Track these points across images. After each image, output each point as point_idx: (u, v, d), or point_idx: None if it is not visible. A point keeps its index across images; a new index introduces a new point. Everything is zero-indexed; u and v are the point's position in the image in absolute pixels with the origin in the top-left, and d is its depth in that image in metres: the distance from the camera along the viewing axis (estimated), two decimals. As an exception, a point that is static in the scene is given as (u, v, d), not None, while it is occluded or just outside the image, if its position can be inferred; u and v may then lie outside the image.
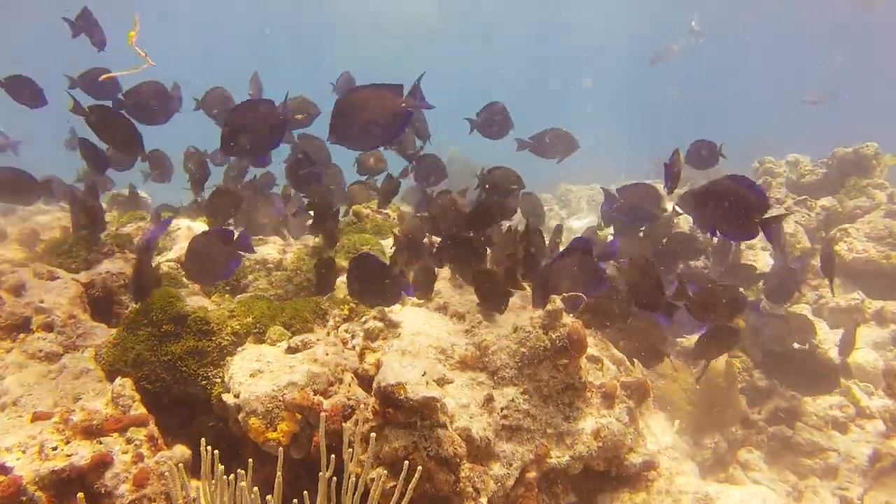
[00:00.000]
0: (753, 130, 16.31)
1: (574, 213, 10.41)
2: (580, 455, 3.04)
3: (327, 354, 3.02)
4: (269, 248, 4.20)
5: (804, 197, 6.77)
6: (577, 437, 3.07)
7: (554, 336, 3.01)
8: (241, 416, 2.80)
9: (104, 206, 6.62)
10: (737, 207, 2.86)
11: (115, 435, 2.73)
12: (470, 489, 2.70)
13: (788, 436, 4.26)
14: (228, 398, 2.90)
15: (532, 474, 2.96)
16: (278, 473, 2.08)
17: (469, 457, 2.79)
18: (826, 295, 5.88)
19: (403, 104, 2.66)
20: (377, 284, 3.08)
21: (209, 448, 2.20)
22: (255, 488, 2.04)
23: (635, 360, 3.70)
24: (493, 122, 4.50)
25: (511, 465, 2.89)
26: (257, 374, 2.93)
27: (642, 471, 3.26)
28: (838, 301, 5.77)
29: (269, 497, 1.91)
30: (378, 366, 2.99)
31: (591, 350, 3.43)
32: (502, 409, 2.97)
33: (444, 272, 3.83)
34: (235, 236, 3.28)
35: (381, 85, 2.68)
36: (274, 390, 2.80)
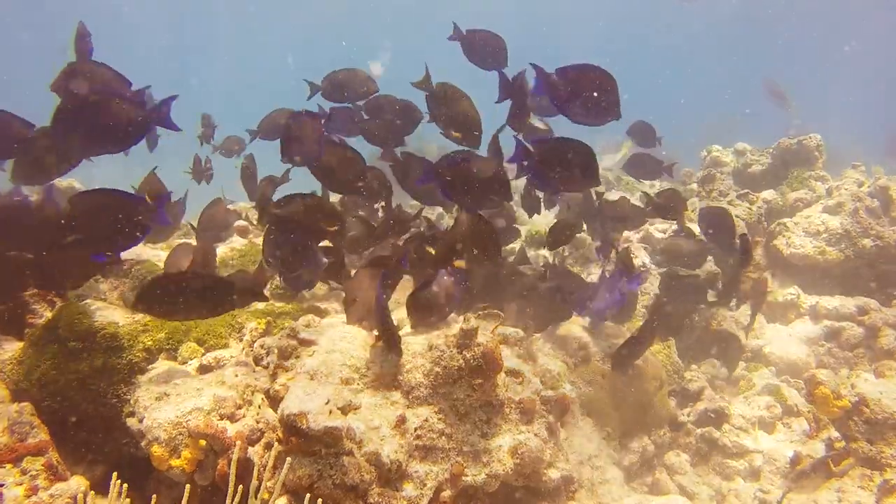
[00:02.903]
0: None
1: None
2: (496, 473, 3.02)
3: (236, 376, 2.95)
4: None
5: (746, 191, 6.81)
6: (494, 454, 3.05)
7: (468, 356, 2.97)
8: (143, 444, 2.72)
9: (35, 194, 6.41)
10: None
11: (9, 466, 2.64)
12: (378, 514, 2.67)
13: (716, 437, 4.31)
14: (133, 423, 2.82)
15: (447, 493, 2.94)
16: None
17: (379, 480, 2.75)
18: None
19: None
20: None
21: (119, 482, 2.17)
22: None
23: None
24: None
25: (425, 485, 2.85)
26: (163, 398, 2.85)
27: (561, 485, 3.26)
28: (775, 296, 5.85)
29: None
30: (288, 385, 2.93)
31: (512, 362, 3.41)
32: (416, 429, 2.93)
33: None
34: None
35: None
36: (178, 416, 2.73)
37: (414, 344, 3.16)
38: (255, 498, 2.60)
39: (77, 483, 2.64)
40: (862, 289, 5.70)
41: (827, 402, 3.71)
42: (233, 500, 2.19)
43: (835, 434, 4.05)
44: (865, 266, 5.74)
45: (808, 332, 5.53)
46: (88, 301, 3.50)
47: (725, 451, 4.30)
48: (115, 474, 2.21)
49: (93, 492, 3.00)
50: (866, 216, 5.82)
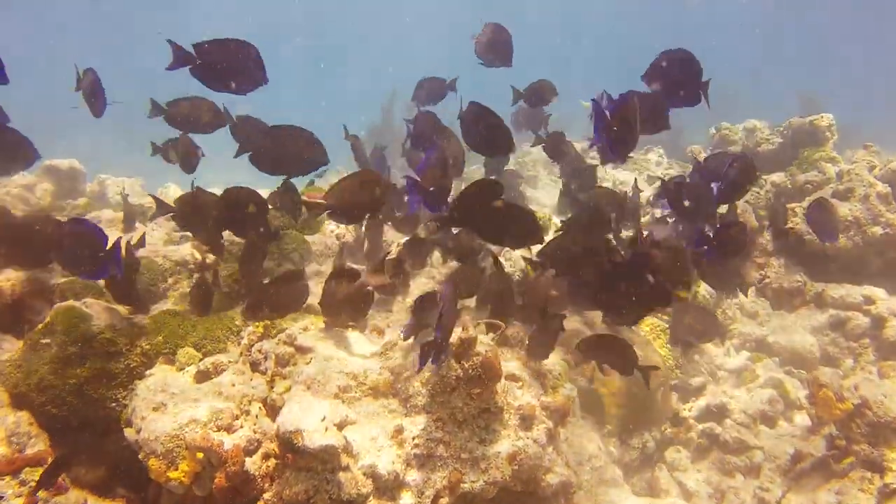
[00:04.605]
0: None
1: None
2: (494, 480, 3.01)
3: (234, 385, 2.94)
4: (189, 248, 4.04)
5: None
6: (492, 461, 3.04)
7: (467, 365, 2.94)
8: (140, 456, 2.73)
9: (34, 177, 6.37)
10: None
11: (8, 477, 2.65)
12: (374, 526, 2.68)
13: (717, 433, 4.30)
14: (130, 433, 2.82)
15: (445, 500, 2.94)
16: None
17: (377, 491, 2.76)
18: (770, 275, 5.90)
19: None
20: None
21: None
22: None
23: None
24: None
25: (422, 493, 2.86)
26: (160, 408, 2.85)
27: (560, 490, 3.26)
28: (781, 282, 5.79)
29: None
30: (286, 393, 2.93)
31: (511, 365, 3.38)
32: (414, 437, 2.92)
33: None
34: None
35: None
36: (175, 429, 2.72)
37: (412, 352, 3.14)
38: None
39: (76, 496, 2.65)
40: (869, 277, 5.62)
41: (829, 405, 3.69)
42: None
43: (836, 431, 4.03)
44: (874, 254, 5.66)
45: (814, 320, 5.49)
46: (87, 300, 3.48)
47: (726, 447, 4.29)
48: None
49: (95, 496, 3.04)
50: (877, 202, 5.72)
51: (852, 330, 5.30)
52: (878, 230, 5.61)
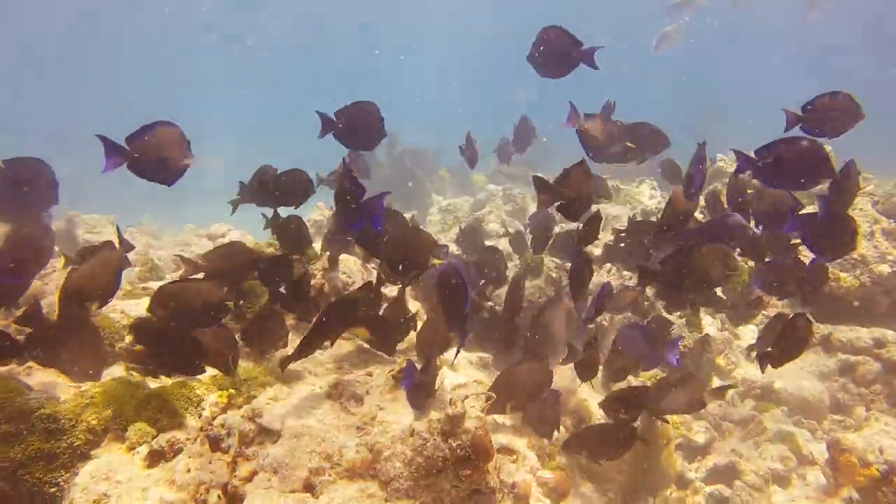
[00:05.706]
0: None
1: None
2: (486, 572, 2.66)
3: (189, 470, 2.58)
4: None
5: (753, 208, 6.43)
6: (484, 550, 2.69)
7: (455, 444, 2.59)
8: (76, 561, 2.36)
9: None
10: None
11: (-81, 591, 2.26)
12: None
13: (727, 496, 3.97)
14: (66, 532, 2.45)
15: None
16: None
17: None
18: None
19: None
20: None
21: None
22: None
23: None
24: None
25: (405, 592, 2.50)
26: (102, 501, 2.48)
27: (559, 576, 2.91)
28: (785, 324, 5.49)
29: None
30: (250, 478, 2.57)
31: (504, 437, 3.05)
32: (395, 528, 2.57)
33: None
34: None
35: None
36: (117, 527, 2.36)
37: (393, 425, 2.79)
38: None
39: None
40: (878, 318, 5.34)
41: (853, 471, 3.37)
42: None
43: (855, 494, 3.71)
44: (882, 294, 5.38)
45: (821, 365, 5.18)
46: (29, 366, 3.11)
47: (737, 513, 3.95)
48: None
49: None
50: (883, 239, 5.46)
51: (863, 376, 4.99)
52: (885, 268, 5.33)
